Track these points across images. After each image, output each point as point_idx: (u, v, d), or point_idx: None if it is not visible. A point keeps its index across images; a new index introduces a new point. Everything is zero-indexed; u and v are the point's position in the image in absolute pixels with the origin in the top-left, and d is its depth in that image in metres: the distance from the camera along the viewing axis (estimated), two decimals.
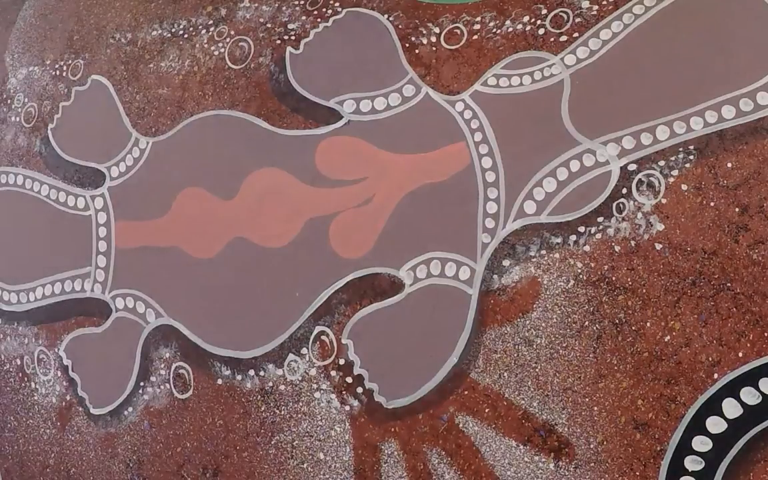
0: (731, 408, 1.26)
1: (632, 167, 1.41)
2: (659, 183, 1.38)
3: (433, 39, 1.65)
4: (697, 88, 1.39)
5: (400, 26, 1.69)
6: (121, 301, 1.83)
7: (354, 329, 1.56)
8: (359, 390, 1.54)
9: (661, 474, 1.30)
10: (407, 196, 1.56)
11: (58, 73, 2.10)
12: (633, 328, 1.35)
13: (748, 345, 1.27)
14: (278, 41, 1.81)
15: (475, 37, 1.61)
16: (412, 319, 1.51)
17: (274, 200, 1.69)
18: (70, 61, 2.09)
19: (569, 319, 1.40)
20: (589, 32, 1.51)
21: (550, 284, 1.42)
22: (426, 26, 1.67)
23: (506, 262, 1.46)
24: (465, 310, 1.47)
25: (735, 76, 1.37)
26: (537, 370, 1.40)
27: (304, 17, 1.81)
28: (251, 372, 1.65)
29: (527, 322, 1.43)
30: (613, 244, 1.39)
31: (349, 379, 1.56)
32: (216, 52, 1.87)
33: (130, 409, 1.79)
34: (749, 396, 1.26)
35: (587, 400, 1.36)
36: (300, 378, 1.60)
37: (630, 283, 1.37)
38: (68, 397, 1.89)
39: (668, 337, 1.33)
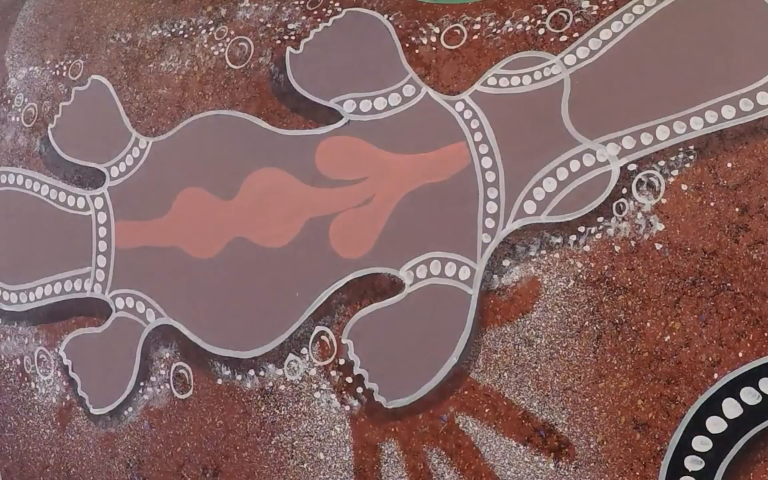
0: (731, 408, 1.26)
1: (632, 167, 1.41)
2: (659, 183, 1.38)
3: (433, 39, 1.65)
4: (697, 88, 1.39)
5: (400, 26, 1.69)
6: (121, 301, 1.83)
7: (354, 329, 1.56)
8: (359, 390, 1.54)
9: (661, 474, 1.30)
10: (407, 196, 1.56)
11: (58, 73, 2.10)
12: (633, 328, 1.35)
13: (748, 345, 1.27)
14: (278, 41, 1.81)
15: (475, 37, 1.61)
16: (412, 319, 1.51)
17: (274, 200, 1.69)
18: (70, 61, 2.09)
19: (569, 319, 1.40)
20: (589, 32, 1.51)
21: (550, 284, 1.42)
22: (426, 26, 1.67)
23: (506, 262, 1.46)
24: (465, 310, 1.47)
25: (735, 76, 1.37)
26: (537, 370, 1.40)
27: (304, 17, 1.81)
28: (251, 372, 1.65)
29: (527, 322, 1.43)
30: (613, 244, 1.39)
31: (349, 379, 1.56)
32: (216, 52, 1.88)
33: (130, 409, 1.79)
34: (749, 396, 1.26)
35: (587, 400, 1.36)
36: (300, 378, 1.60)
37: (630, 283, 1.37)
38: (68, 397, 1.89)
39: (668, 337, 1.33)
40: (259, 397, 1.64)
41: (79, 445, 1.86)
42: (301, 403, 1.60)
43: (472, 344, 1.46)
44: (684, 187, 1.36)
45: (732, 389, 1.27)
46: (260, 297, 1.67)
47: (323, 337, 1.59)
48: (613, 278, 1.38)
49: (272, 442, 1.62)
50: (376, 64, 1.68)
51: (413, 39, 1.67)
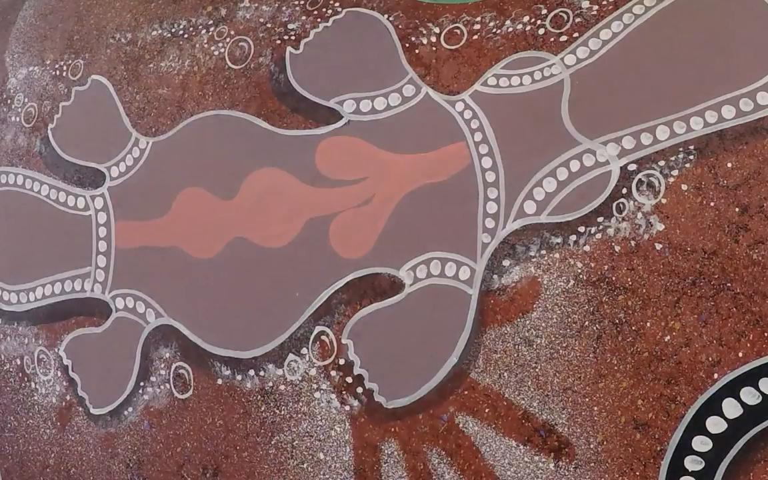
0: (731, 408, 1.26)
1: (632, 167, 1.41)
2: (659, 183, 1.38)
3: (433, 39, 1.65)
4: (697, 88, 1.39)
5: (400, 26, 1.69)
6: (121, 301, 1.83)
7: (354, 329, 1.56)
8: (359, 390, 1.54)
9: (661, 474, 1.30)
10: (407, 196, 1.56)
11: (58, 73, 2.10)
12: (633, 328, 1.35)
13: (748, 345, 1.27)
14: (278, 41, 1.81)
15: (475, 37, 1.61)
16: (412, 319, 1.51)
17: (274, 200, 1.69)
18: (70, 61, 2.09)
19: (569, 319, 1.40)
20: (589, 32, 1.51)
21: (550, 284, 1.42)
22: (426, 26, 1.67)
23: (506, 262, 1.46)
24: (465, 310, 1.47)
25: (735, 76, 1.37)
26: (537, 370, 1.40)
27: (304, 17, 1.81)
28: (251, 372, 1.65)
29: (527, 322, 1.43)
30: (613, 244, 1.39)
31: (349, 379, 1.56)
32: (216, 52, 1.88)
33: (130, 409, 1.79)
34: (749, 396, 1.26)
35: (587, 400, 1.36)
36: (300, 378, 1.60)
37: (630, 283, 1.37)
38: (68, 397, 1.89)
39: (668, 337, 1.33)
40: (259, 397, 1.64)
41: (79, 445, 1.86)
42: (301, 403, 1.60)
43: (472, 344, 1.46)
44: (684, 187, 1.36)
45: (732, 389, 1.27)
46: (260, 297, 1.67)
47: (323, 337, 1.59)
48: (613, 278, 1.38)
49: (272, 442, 1.62)
50: (376, 64, 1.68)
51: (413, 39, 1.67)
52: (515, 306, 1.44)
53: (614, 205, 1.40)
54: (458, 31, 1.63)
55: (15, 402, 1.98)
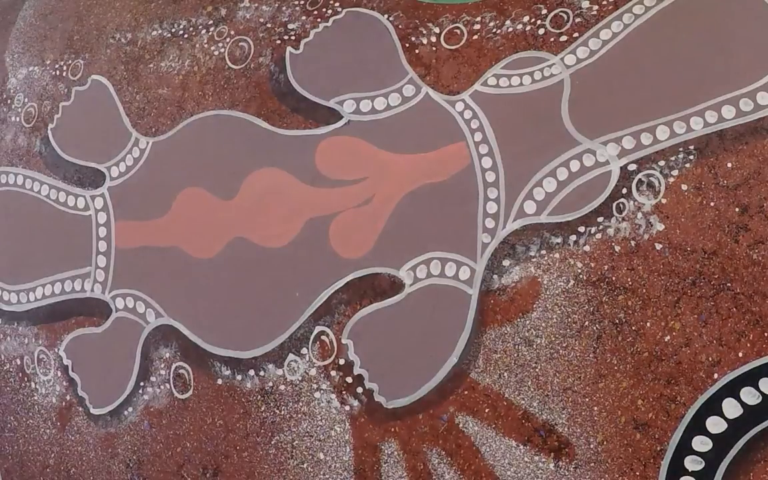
0: (731, 408, 1.26)
1: (632, 167, 1.41)
2: (659, 183, 1.38)
3: (433, 39, 1.65)
4: (697, 88, 1.39)
5: (400, 26, 1.69)
6: (121, 301, 1.83)
7: (354, 329, 1.56)
8: (359, 390, 1.54)
9: (661, 474, 1.30)
10: (407, 196, 1.56)
11: (58, 73, 2.10)
12: (633, 328, 1.35)
13: (748, 345, 1.27)
14: (278, 41, 1.81)
15: (475, 37, 1.61)
16: (412, 319, 1.51)
17: (274, 200, 1.69)
18: (70, 61, 2.09)
19: (569, 319, 1.40)
20: (589, 32, 1.51)
21: (550, 284, 1.42)
22: (426, 26, 1.67)
23: (506, 262, 1.46)
24: (465, 310, 1.47)
25: (735, 76, 1.37)
26: (537, 370, 1.40)
27: (304, 17, 1.81)
28: (251, 372, 1.65)
29: (527, 322, 1.43)
30: (613, 244, 1.39)
31: (349, 379, 1.56)
32: (216, 52, 1.88)
33: (130, 409, 1.79)
34: (749, 396, 1.26)
35: (587, 400, 1.36)
36: (300, 378, 1.60)
37: (630, 283, 1.37)
38: (68, 397, 1.89)
39: (668, 337, 1.33)
40: (259, 397, 1.64)
41: (79, 445, 1.86)
42: (301, 403, 1.60)
43: (472, 344, 1.46)
44: (684, 187, 1.36)
45: (732, 389, 1.27)
46: (260, 297, 1.67)
47: (323, 337, 1.59)
48: (613, 278, 1.38)
49: (272, 442, 1.62)
50: (376, 64, 1.68)
51: (413, 39, 1.67)
52: (515, 306, 1.44)
53: (614, 205, 1.40)
54: (458, 31, 1.63)
55: (15, 402, 1.98)
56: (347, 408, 1.56)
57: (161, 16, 2.00)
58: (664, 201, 1.37)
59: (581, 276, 1.40)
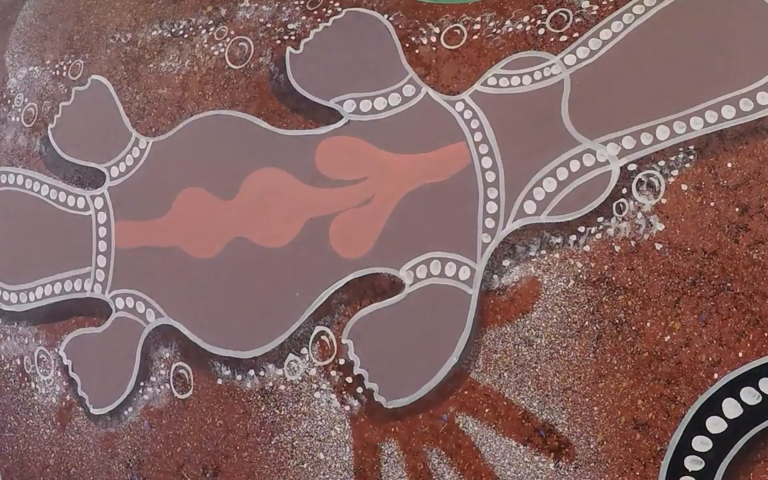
0: (731, 408, 1.26)
1: (632, 167, 1.41)
2: (659, 183, 1.38)
3: (433, 39, 1.65)
4: (697, 88, 1.39)
5: (400, 26, 1.69)
6: (121, 301, 1.83)
7: (354, 329, 1.56)
8: (359, 390, 1.54)
9: (661, 474, 1.30)
10: (407, 196, 1.56)
11: (58, 73, 2.10)
12: (633, 328, 1.35)
13: (748, 345, 1.27)
14: (278, 41, 1.81)
15: (475, 37, 1.61)
16: (412, 319, 1.51)
17: (274, 200, 1.69)
18: (70, 61, 2.09)
19: (569, 319, 1.40)
20: (589, 32, 1.51)
21: (550, 284, 1.42)
22: (426, 26, 1.67)
23: (506, 262, 1.46)
24: (465, 310, 1.47)
25: (735, 76, 1.37)
26: (537, 370, 1.40)
27: (304, 17, 1.81)
28: (251, 372, 1.65)
29: (527, 322, 1.43)
30: (613, 244, 1.39)
31: (349, 379, 1.56)
32: (216, 52, 1.88)
33: (130, 409, 1.79)
34: (749, 396, 1.26)
35: (587, 400, 1.36)
36: (300, 378, 1.60)
37: (630, 283, 1.37)
38: (68, 397, 1.89)
39: (668, 337, 1.33)
40: (259, 397, 1.64)
41: (79, 445, 1.86)
42: (301, 403, 1.60)
43: (472, 344, 1.46)
44: (684, 187, 1.36)
45: (732, 389, 1.27)
46: (260, 297, 1.67)
47: (323, 337, 1.59)
48: (613, 278, 1.38)
49: (272, 442, 1.62)
50: (376, 64, 1.68)
51: (413, 39, 1.67)
52: (515, 306, 1.44)
53: (614, 205, 1.40)
54: (458, 31, 1.63)
55: (15, 402, 1.98)
56: (347, 408, 1.56)
57: (161, 16, 2.00)
58: (664, 201, 1.37)
59: (581, 276, 1.40)
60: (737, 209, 1.32)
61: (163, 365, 1.76)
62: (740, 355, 1.28)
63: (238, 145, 1.77)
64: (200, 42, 1.91)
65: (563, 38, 1.53)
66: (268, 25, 1.84)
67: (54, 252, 1.95)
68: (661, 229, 1.36)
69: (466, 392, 1.45)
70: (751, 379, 1.26)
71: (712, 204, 1.34)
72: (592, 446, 1.35)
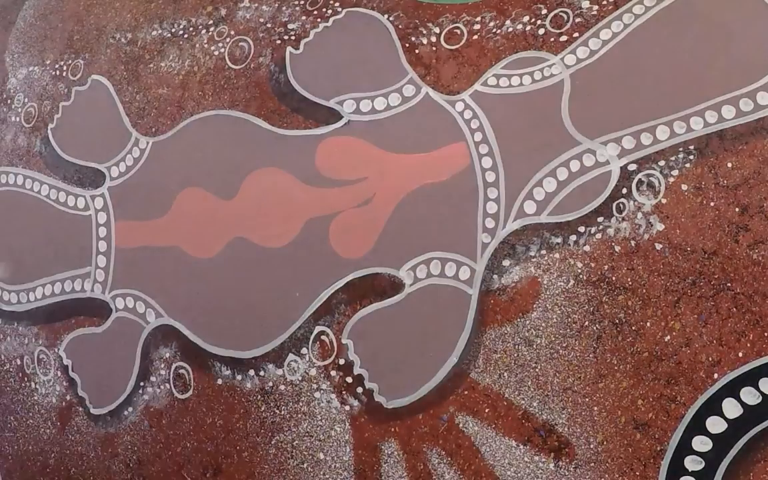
0: (731, 408, 1.26)
1: (632, 167, 1.41)
2: (659, 183, 1.38)
3: (433, 39, 1.65)
4: (697, 88, 1.39)
5: (400, 26, 1.69)
6: (121, 301, 1.83)
7: (354, 329, 1.56)
8: (359, 390, 1.54)
9: (661, 474, 1.30)
10: (407, 196, 1.56)
11: (58, 73, 2.10)
12: (633, 328, 1.35)
13: (748, 345, 1.27)
14: (278, 41, 1.81)
15: (475, 37, 1.61)
16: (412, 319, 1.51)
17: (274, 200, 1.69)
18: (70, 61, 2.09)
19: (569, 319, 1.40)
20: (589, 32, 1.51)
21: (550, 284, 1.42)
22: (426, 26, 1.67)
23: (506, 262, 1.46)
24: (465, 310, 1.47)
25: (735, 76, 1.37)
26: (537, 370, 1.40)
27: (304, 17, 1.81)
28: (251, 372, 1.65)
29: (527, 322, 1.43)
30: (613, 244, 1.39)
31: (349, 379, 1.56)
32: (216, 52, 1.88)
33: (130, 409, 1.79)
34: (749, 396, 1.26)
35: (587, 400, 1.36)
36: (300, 378, 1.60)
37: (630, 283, 1.37)
38: (68, 397, 1.89)
39: (668, 337, 1.33)
40: (259, 397, 1.64)
41: (79, 445, 1.86)
42: (301, 403, 1.60)
43: (472, 344, 1.46)
44: (684, 187, 1.36)
45: (732, 389, 1.27)
46: (260, 297, 1.67)
47: (323, 337, 1.59)
48: (613, 278, 1.38)
49: (272, 442, 1.62)
50: (376, 64, 1.68)
51: (413, 39, 1.67)
52: (515, 306, 1.44)
53: (614, 205, 1.40)
54: (458, 31, 1.63)
55: (15, 402, 1.98)
56: (347, 408, 1.56)
57: (161, 16, 2.00)
58: (664, 201, 1.37)
59: (581, 276, 1.40)
60: (737, 209, 1.32)
61: (163, 365, 1.76)
62: (740, 355, 1.28)
63: (238, 145, 1.77)
64: (200, 42, 1.91)
65: (563, 38, 1.53)
66: (268, 25, 1.84)
67: (54, 252, 1.95)
68: (661, 229, 1.36)
69: (466, 392, 1.45)
70: (751, 379, 1.26)
71: (712, 204, 1.34)
72: (592, 446, 1.35)
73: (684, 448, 1.29)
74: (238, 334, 1.68)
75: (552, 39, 1.54)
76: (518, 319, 1.43)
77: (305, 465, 1.58)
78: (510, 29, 1.58)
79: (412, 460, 1.48)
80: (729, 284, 1.30)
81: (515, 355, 1.42)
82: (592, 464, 1.35)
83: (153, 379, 1.77)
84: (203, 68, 1.88)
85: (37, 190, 2.03)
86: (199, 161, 1.81)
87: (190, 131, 1.85)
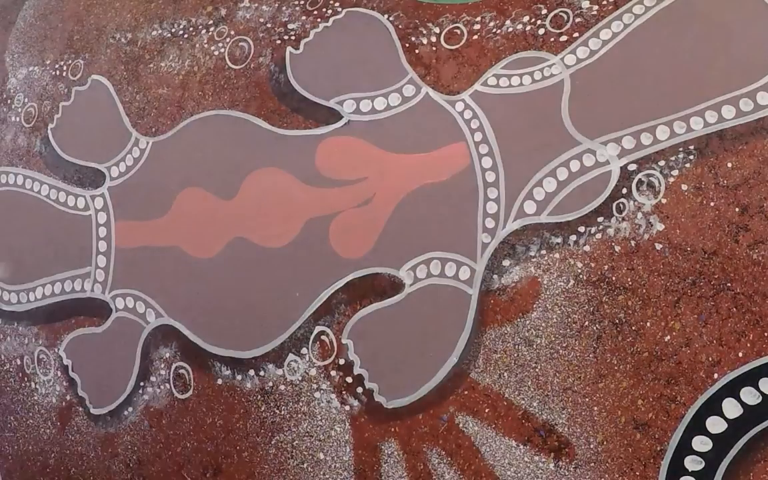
0: (731, 408, 1.26)
1: (632, 167, 1.41)
2: (659, 183, 1.38)
3: (433, 39, 1.65)
4: (697, 88, 1.39)
5: (400, 26, 1.69)
6: (121, 301, 1.83)
7: (354, 329, 1.56)
8: (359, 390, 1.54)
9: (661, 474, 1.30)
10: (407, 196, 1.56)
11: (58, 73, 2.10)
12: (633, 328, 1.35)
13: (748, 345, 1.27)
14: (278, 41, 1.81)
15: (475, 37, 1.61)
16: (412, 319, 1.51)
17: (274, 200, 1.69)
18: (70, 61, 2.09)
19: (569, 319, 1.40)
20: (589, 32, 1.51)
21: (550, 284, 1.42)
22: (426, 26, 1.67)
23: (506, 262, 1.46)
24: (465, 310, 1.47)
25: (735, 76, 1.37)
26: (537, 370, 1.40)
27: (304, 17, 1.81)
28: (251, 372, 1.65)
29: (527, 322, 1.43)
30: (613, 244, 1.39)
31: (349, 379, 1.56)
32: (216, 52, 1.88)
33: (130, 409, 1.79)
34: (749, 396, 1.26)
35: (587, 400, 1.36)
36: (300, 378, 1.60)
37: (630, 283, 1.37)
38: (68, 397, 1.89)
39: (668, 337, 1.33)
40: (259, 397, 1.64)
41: (80, 445, 1.86)
42: (301, 403, 1.60)
43: (472, 344, 1.46)
44: (684, 187, 1.36)
45: (732, 389, 1.27)
46: (260, 297, 1.67)
47: (323, 337, 1.59)
48: (613, 278, 1.38)
49: (272, 442, 1.62)
50: (376, 64, 1.68)
51: (413, 39, 1.67)
52: (515, 306, 1.44)
53: (614, 205, 1.40)
54: (458, 31, 1.63)
55: (15, 402, 1.98)
56: (347, 408, 1.56)
57: (161, 16, 2.00)
58: (664, 201, 1.37)
59: (581, 276, 1.40)
60: (737, 209, 1.32)
61: (163, 365, 1.76)
62: (740, 355, 1.28)
63: (238, 145, 1.77)
64: (200, 42, 1.91)
65: (563, 38, 1.53)
66: (268, 25, 1.84)
67: (54, 252, 1.95)
68: (661, 229, 1.36)
69: (466, 392, 1.45)
70: (751, 379, 1.26)
71: (712, 204, 1.34)
72: (592, 446, 1.35)
73: (684, 448, 1.29)
74: (238, 334, 1.68)
75: (552, 39, 1.54)
76: (518, 319, 1.43)
77: (305, 465, 1.58)
78: (510, 29, 1.58)
79: (412, 460, 1.48)
80: (729, 284, 1.30)
81: (515, 355, 1.42)
82: (592, 464, 1.35)
83: (153, 379, 1.77)
84: (203, 68, 1.88)
85: (37, 190, 2.03)
86: (199, 161, 1.81)
87: (190, 131, 1.85)
